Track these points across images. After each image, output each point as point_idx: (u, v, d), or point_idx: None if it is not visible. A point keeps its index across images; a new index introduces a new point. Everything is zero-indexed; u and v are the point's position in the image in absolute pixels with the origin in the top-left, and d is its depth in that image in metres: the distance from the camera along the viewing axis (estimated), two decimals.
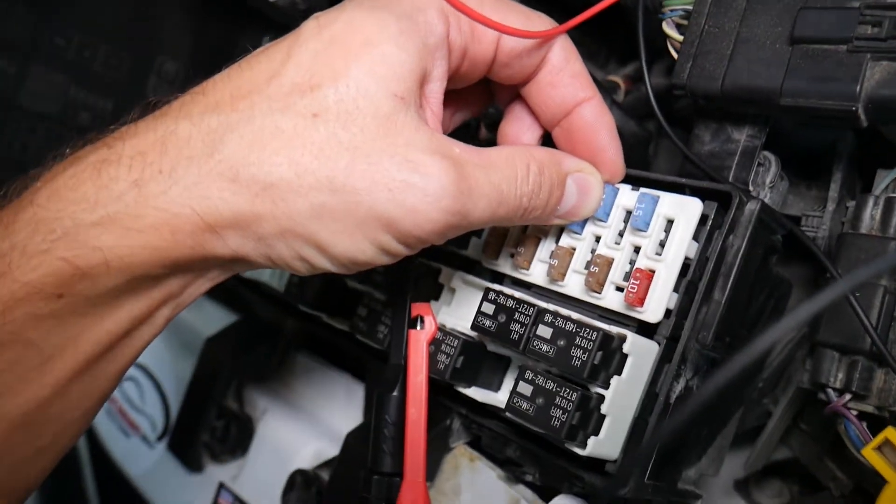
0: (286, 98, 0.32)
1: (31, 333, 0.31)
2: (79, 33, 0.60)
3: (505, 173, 0.35)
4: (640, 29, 0.43)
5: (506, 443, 0.45)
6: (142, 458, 0.69)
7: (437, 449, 0.47)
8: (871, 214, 0.39)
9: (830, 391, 0.39)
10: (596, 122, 0.39)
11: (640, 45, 0.43)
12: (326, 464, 0.55)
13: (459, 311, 0.45)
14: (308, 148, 0.31)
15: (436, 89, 0.36)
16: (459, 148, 0.34)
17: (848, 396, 0.38)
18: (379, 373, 0.50)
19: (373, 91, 0.32)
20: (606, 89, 0.53)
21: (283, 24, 0.69)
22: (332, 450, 0.56)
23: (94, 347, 0.33)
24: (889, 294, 0.37)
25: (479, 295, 0.44)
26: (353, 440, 0.50)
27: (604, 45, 0.72)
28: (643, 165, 0.55)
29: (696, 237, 0.38)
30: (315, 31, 0.33)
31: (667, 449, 0.38)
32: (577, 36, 0.69)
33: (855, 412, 0.38)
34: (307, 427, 0.59)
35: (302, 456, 0.56)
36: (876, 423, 0.38)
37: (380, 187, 0.31)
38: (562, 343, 0.37)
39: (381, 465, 0.41)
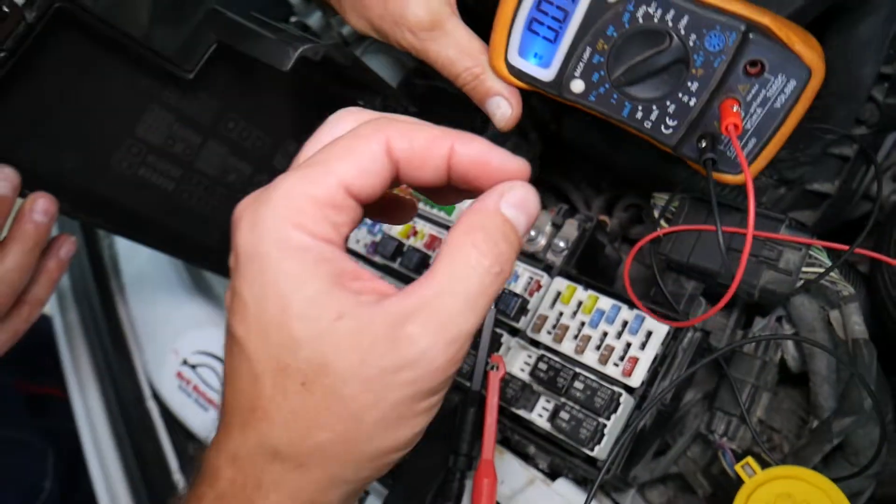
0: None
1: None
2: (243, 120, 0.84)
3: (462, 285, 0.37)
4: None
5: (528, 444, 0.74)
6: None
7: None
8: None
9: (716, 435, 0.71)
10: (475, 152, 0.39)
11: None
12: None
13: (513, 361, 0.74)
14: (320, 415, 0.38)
15: None
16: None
17: (726, 439, 0.71)
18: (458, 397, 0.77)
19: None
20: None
21: None
22: None
23: None
24: (755, 388, 0.70)
25: (524, 352, 0.73)
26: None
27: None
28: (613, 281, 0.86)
29: (663, 342, 0.69)
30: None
31: (632, 452, 0.69)
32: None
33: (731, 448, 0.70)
34: None
35: None
36: (739, 458, 0.70)
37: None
38: (588, 393, 0.66)
39: (460, 449, 0.69)
